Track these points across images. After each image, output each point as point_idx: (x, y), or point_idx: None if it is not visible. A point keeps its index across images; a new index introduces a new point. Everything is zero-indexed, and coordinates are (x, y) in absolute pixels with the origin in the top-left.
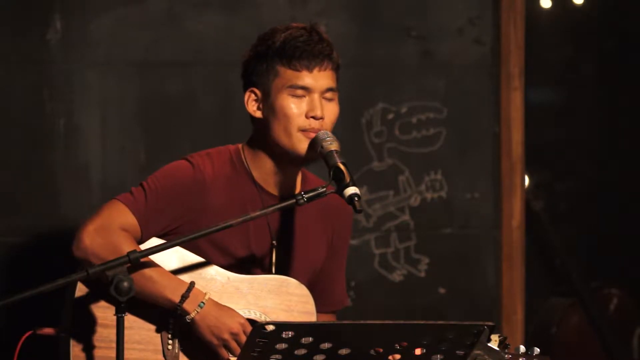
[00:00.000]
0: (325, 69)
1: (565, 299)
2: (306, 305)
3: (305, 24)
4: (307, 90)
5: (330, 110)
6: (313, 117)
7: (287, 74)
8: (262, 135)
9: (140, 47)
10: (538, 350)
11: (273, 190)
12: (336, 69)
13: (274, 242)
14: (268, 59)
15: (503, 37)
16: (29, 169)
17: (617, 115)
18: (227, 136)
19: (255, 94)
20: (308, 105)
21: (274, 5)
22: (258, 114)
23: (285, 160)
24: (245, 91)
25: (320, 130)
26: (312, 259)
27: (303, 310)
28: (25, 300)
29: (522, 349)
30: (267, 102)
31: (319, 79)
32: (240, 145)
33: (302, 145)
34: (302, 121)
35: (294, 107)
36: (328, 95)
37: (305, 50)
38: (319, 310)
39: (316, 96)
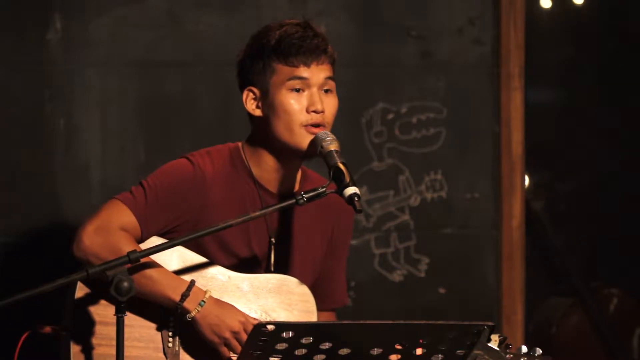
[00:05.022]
0: (322, 63)
1: (565, 299)
2: (307, 304)
3: (299, 20)
4: (305, 83)
5: (330, 104)
6: (314, 112)
7: (284, 70)
8: (262, 133)
9: (140, 47)
10: (540, 350)
11: (272, 188)
12: (332, 62)
13: (273, 239)
14: (264, 57)
15: (503, 37)
16: (29, 169)
17: (617, 115)
18: (227, 136)
19: (254, 93)
20: (308, 100)
21: (274, 5)
22: (257, 112)
23: (287, 157)
24: (242, 90)
25: (322, 123)
26: (312, 257)
27: (304, 309)
28: (25, 300)
29: (524, 349)
30: (266, 100)
31: (316, 72)
32: (240, 144)
33: (304, 140)
34: (303, 116)
35: (294, 103)
36: (327, 85)
37: (302, 46)
38: (319, 307)
39: (315, 90)
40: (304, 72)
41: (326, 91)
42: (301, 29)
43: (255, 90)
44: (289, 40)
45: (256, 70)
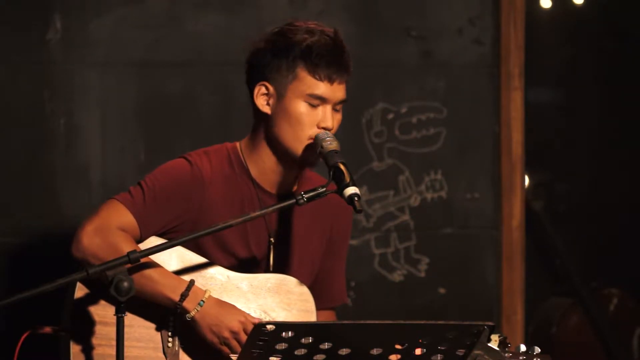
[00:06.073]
0: (342, 82)
1: (565, 299)
2: (306, 304)
3: (329, 29)
4: (323, 100)
5: (337, 120)
6: (324, 128)
7: (307, 80)
8: (266, 130)
9: (140, 47)
10: (539, 349)
11: (271, 188)
12: (347, 81)
13: (272, 239)
14: (289, 59)
15: (503, 37)
16: (29, 169)
17: (617, 115)
18: (227, 136)
19: (267, 89)
20: (320, 115)
21: (274, 6)
22: (266, 110)
23: (287, 160)
24: (253, 82)
25: None
26: (310, 257)
27: (303, 308)
28: (25, 300)
29: (523, 347)
30: (280, 102)
31: (336, 91)
32: (237, 144)
33: (309, 152)
34: (312, 130)
35: (308, 116)
36: (338, 106)
37: (331, 61)
38: (318, 306)
39: (329, 107)
40: (325, 89)
41: (337, 109)
42: (332, 41)
43: (269, 87)
44: (321, 51)
45: (276, 67)
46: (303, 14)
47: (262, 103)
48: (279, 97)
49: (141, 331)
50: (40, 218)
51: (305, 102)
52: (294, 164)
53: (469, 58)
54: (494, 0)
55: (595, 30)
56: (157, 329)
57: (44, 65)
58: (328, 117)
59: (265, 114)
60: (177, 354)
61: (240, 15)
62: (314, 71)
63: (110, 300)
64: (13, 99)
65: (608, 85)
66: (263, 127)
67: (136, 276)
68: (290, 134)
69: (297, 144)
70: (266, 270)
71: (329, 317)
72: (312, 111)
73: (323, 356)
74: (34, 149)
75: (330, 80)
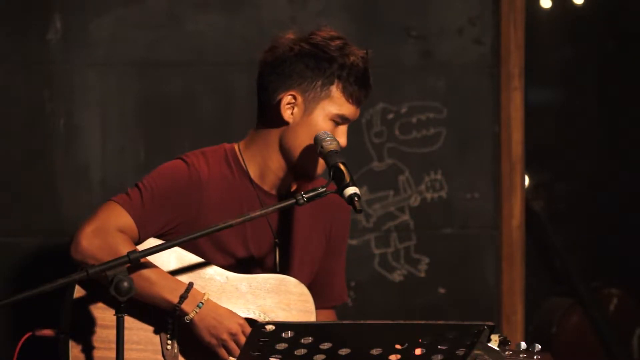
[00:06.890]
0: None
1: (565, 299)
2: (305, 304)
3: (361, 51)
4: (345, 120)
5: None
6: None
7: (339, 100)
8: (281, 137)
9: (140, 47)
10: (539, 346)
11: (270, 188)
12: None
13: (277, 240)
14: (326, 74)
15: (503, 37)
16: (29, 169)
17: (617, 115)
18: (227, 136)
19: (294, 99)
20: (338, 133)
21: (274, 6)
22: (289, 118)
23: (293, 168)
24: (275, 86)
25: None
26: (311, 257)
27: (302, 308)
28: (25, 300)
29: (524, 345)
30: (306, 115)
31: (357, 112)
32: (235, 145)
33: (315, 166)
34: None
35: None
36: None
37: (363, 85)
38: (319, 305)
39: (346, 127)
40: (351, 110)
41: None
42: (365, 63)
43: (297, 97)
44: (357, 73)
45: (309, 81)
46: (303, 14)
47: (287, 113)
48: (306, 110)
49: (140, 334)
50: (40, 218)
51: (332, 120)
52: (297, 174)
53: (469, 58)
54: (494, 0)
55: (595, 30)
56: (156, 332)
57: (44, 65)
58: (344, 136)
59: (285, 121)
60: (176, 356)
61: (240, 15)
62: (348, 93)
63: (110, 302)
64: (13, 99)
65: (608, 85)
66: (278, 133)
67: (134, 278)
68: (308, 147)
69: (311, 158)
70: (271, 270)
71: (328, 316)
72: (333, 129)
73: (323, 356)
74: (34, 149)
75: (358, 104)
